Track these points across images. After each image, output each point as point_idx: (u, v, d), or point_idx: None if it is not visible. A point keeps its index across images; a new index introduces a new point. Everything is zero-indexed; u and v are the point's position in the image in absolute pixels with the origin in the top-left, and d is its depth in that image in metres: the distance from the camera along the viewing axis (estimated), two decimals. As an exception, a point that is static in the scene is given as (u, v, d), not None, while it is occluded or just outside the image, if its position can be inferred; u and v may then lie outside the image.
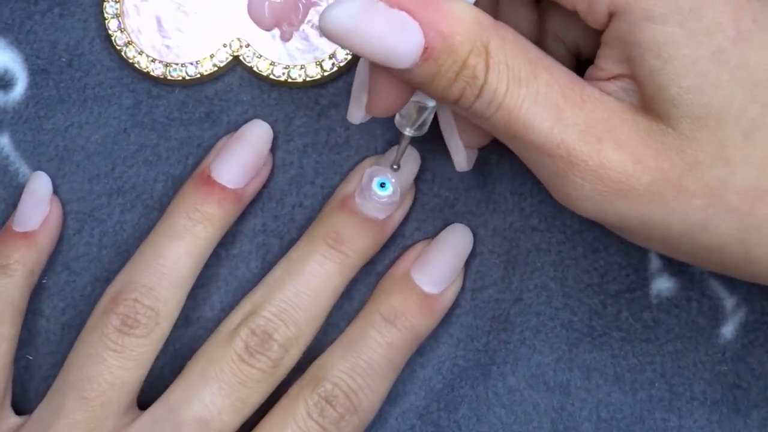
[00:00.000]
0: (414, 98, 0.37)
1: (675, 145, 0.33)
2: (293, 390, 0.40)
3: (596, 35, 0.36)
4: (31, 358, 0.43)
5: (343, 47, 0.35)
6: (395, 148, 0.42)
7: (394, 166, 0.39)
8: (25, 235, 0.42)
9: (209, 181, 0.41)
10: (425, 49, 0.33)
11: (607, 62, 0.34)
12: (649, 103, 0.33)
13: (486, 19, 0.33)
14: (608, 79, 0.34)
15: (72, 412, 0.39)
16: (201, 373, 0.39)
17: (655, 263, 0.43)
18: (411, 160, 0.42)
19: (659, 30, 0.32)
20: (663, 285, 0.43)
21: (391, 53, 0.33)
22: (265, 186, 0.43)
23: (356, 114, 0.38)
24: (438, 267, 0.41)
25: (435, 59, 0.33)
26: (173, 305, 0.40)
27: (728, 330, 0.42)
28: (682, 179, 0.33)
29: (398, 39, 0.33)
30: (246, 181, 0.42)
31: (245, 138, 0.42)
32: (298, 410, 0.39)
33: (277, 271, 0.41)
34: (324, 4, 0.42)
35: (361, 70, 0.37)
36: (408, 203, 0.43)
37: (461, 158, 0.39)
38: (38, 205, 0.42)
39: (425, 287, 0.41)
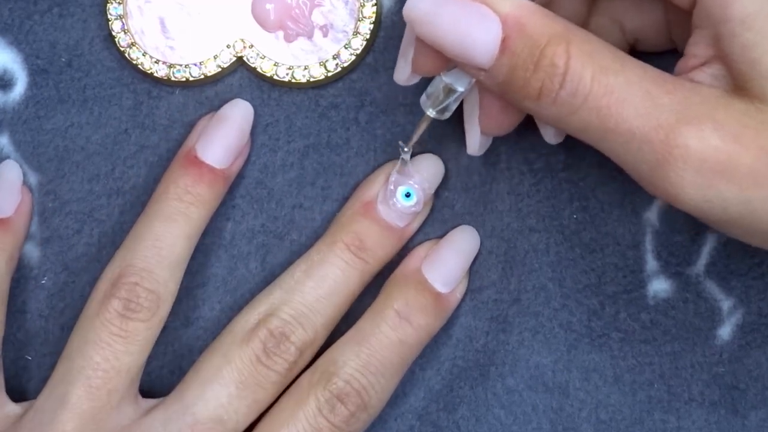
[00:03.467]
0: (446, 78, 0.37)
1: None
2: (303, 383, 0.40)
3: (658, 23, 0.36)
4: (30, 358, 0.43)
5: (424, 37, 0.35)
6: (416, 157, 0.42)
7: (405, 149, 0.40)
8: (1, 222, 0.42)
9: (197, 162, 0.41)
10: (503, 39, 0.33)
11: (697, 47, 0.34)
12: (742, 83, 0.33)
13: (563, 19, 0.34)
14: (698, 67, 0.34)
15: (78, 401, 0.39)
16: (217, 372, 0.39)
17: (651, 265, 0.43)
18: (435, 170, 0.42)
19: (749, 0, 0.32)
20: (659, 286, 0.43)
21: (470, 44, 0.33)
22: (264, 187, 0.43)
23: (403, 70, 0.38)
24: (448, 266, 0.42)
25: (512, 50, 0.33)
26: (172, 287, 0.40)
27: (725, 331, 0.43)
28: None
29: (476, 28, 0.33)
30: (231, 161, 0.42)
31: (229, 118, 0.42)
32: (309, 406, 0.39)
33: (296, 272, 0.41)
34: (328, 6, 0.42)
35: (410, 28, 0.37)
36: (425, 212, 0.43)
37: (475, 142, 0.39)
38: (11, 192, 0.42)
39: (437, 285, 0.41)
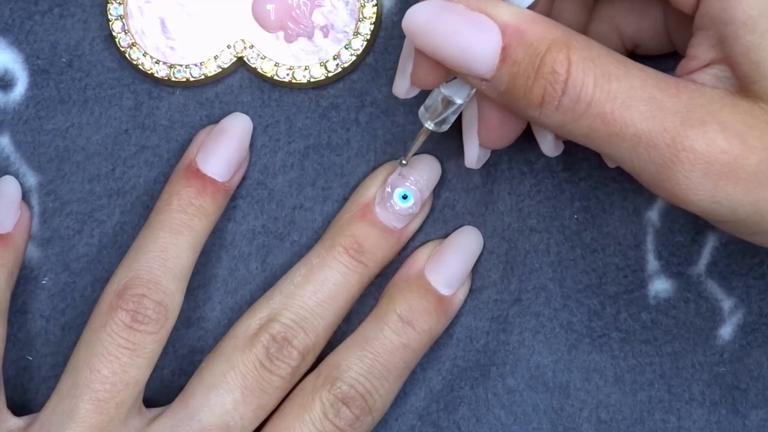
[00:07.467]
0: (445, 91, 0.37)
1: None
2: (307, 387, 0.40)
3: (657, 27, 0.36)
4: (30, 358, 0.43)
5: (424, 49, 0.35)
6: (414, 158, 0.42)
7: (403, 161, 0.40)
8: (1, 237, 0.42)
9: (199, 175, 0.41)
10: (503, 48, 0.33)
11: (699, 48, 0.34)
12: (745, 84, 0.33)
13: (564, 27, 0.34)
14: (701, 68, 0.34)
15: (87, 415, 0.38)
16: (221, 378, 0.39)
17: (652, 264, 0.43)
18: (431, 171, 0.42)
19: (752, 3, 0.32)
20: (660, 286, 0.43)
21: (470, 54, 0.33)
22: (265, 187, 0.43)
23: (401, 84, 0.38)
24: (451, 268, 0.42)
25: (512, 59, 0.33)
26: (179, 299, 0.40)
27: (726, 331, 0.43)
28: None
29: (476, 38, 0.33)
30: (232, 174, 0.42)
31: (229, 131, 0.42)
32: (314, 410, 0.39)
33: (296, 277, 0.41)
34: (329, 6, 0.42)
35: (409, 41, 0.37)
36: (425, 212, 0.43)
37: (473, 155, 0.39)
38: (10, 208, 0.42)
39: (440, 288, 0.41)
